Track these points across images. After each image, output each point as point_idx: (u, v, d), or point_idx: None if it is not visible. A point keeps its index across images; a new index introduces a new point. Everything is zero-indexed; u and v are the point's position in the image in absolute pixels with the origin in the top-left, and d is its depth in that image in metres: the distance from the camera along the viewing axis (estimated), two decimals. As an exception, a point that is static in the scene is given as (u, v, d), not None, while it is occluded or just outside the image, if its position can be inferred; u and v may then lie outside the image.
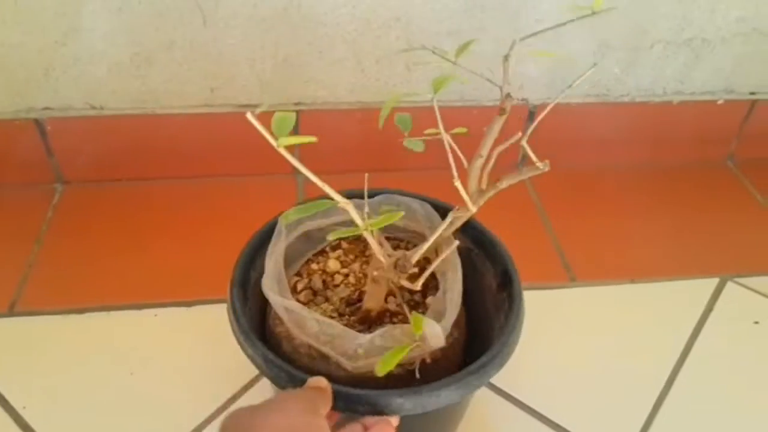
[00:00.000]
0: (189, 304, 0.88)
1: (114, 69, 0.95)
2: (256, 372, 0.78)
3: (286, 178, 1.07)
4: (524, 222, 1.03)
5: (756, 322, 0.90)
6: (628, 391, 0.81)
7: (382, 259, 0.53)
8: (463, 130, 0.50)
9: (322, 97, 1.02)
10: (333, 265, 0.69)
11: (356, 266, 0.69)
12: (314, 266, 0.69)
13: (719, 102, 1.12)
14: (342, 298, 0.65)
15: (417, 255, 0.53)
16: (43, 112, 0.99)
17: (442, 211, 0.63)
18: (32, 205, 1.02)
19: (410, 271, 0.53)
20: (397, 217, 0.48)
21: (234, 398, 0.77)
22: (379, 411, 0.52)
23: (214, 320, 0.85)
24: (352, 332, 0.55)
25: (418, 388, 0.53)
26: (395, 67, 1.00)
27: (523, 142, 0.50)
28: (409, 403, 0.52)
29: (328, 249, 0.71)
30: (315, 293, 0.66)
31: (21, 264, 0.92)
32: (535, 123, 0.54)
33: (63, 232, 0.98)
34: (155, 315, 0.86)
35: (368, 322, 0.62)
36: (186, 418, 0.75)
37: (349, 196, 0.49)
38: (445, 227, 0.53)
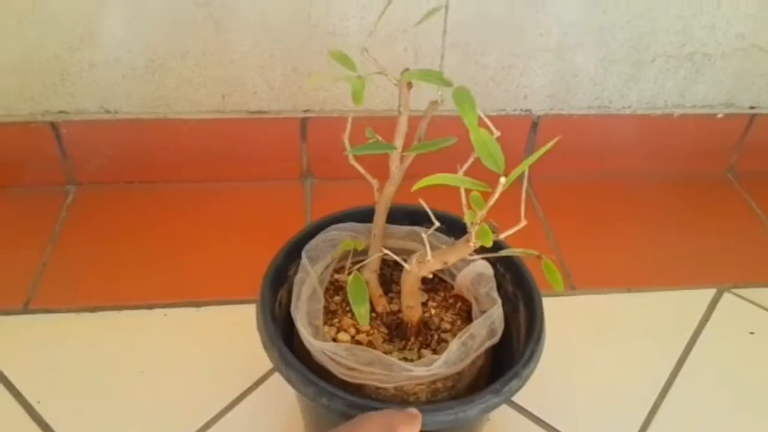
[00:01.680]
0: (198, 305, 0.90)
1: (129, 74, 0.98)
2: (263, 372, 0.81)
3: (294, 184, 1.10)
4: (526, 229, 1.04)
5: (752, 333, 0.92)
6: (622, 398, 0.83)
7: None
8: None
9: (330, 105, 1.04)
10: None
11: None
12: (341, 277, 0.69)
13: (719, 115, 1.15)
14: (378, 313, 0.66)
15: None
16: (59, 115, 1.01)
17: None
18: (46, 206, 1.04)
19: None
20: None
21: (241, 397, 0.79)
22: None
23: (223, 321, 0.88)
24: (399, 363, 0.56)
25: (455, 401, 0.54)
26: (402, 77, 1.03)
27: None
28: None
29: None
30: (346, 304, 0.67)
31: (35, 263, 0.95)
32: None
33: (76, 232, 1.01)
34: (165, 315, 0.89)
35: (407, 336, 0.63)
36: (194, 416, 0.77)
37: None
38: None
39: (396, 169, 0.58)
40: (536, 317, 0.62)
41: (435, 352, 0.62)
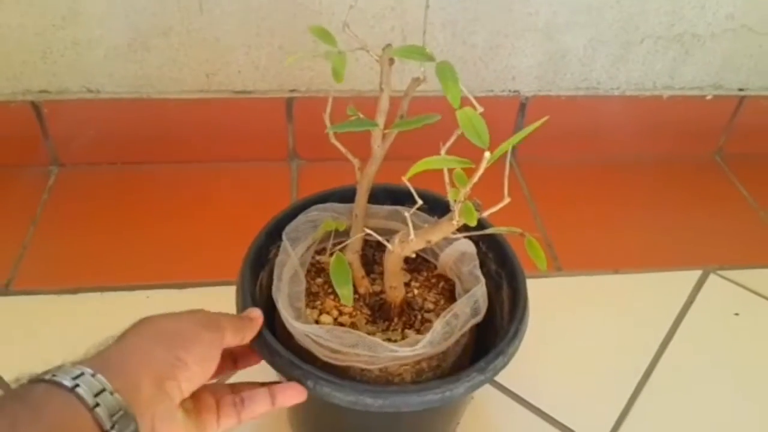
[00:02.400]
0: (181, 287, 0.89)
1: (111, 53, 0.96)
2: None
3: (280, 165, 1.08)
4: (513, 211, 1.04)
5: (736, 314, 0.92)
6: (607, 377, 0.83)
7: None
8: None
9: (317, 85, 1.03)
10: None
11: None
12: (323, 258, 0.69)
13: (708, 97, 1.14)
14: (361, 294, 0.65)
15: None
16: (40, 94, 1.00)
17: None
18: (28, 187, 1.03)
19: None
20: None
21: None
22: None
23: (207, 303, 0.86)
24: (384, 345, 0.55)
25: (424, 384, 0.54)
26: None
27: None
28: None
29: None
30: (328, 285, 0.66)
31: (16, 244, 0.94)
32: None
33: (58, 213, 0.99)
34: (147, 297, 0.88)
35: (390, 316, 0.63)
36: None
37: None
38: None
39: (378, 147, 0.57)
40: (520, 295, 0.62)
41: (419, 332, 0.62)
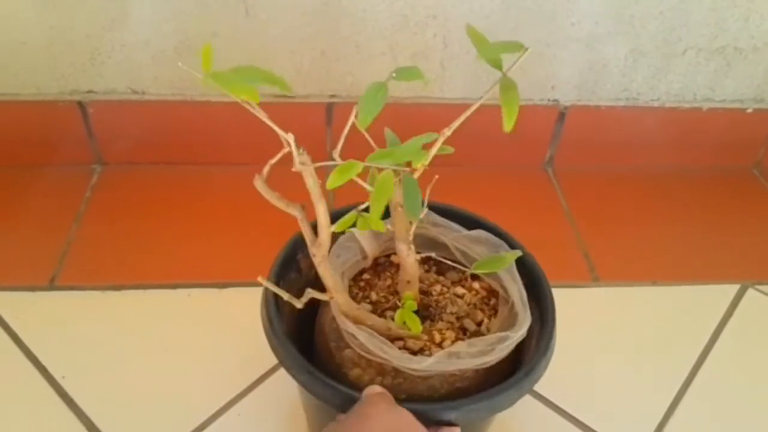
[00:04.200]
0: (222, 286, 0.91)
1: (158, 56, 0.98)
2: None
3: (319, 168, 1.09)
4: (552, 223, 1.04)
5: (775, 329, 0.91)
6: (645, 390, 0.82)
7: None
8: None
9: (357, 91, 1.04)
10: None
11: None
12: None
13: (748, 110, 1.13)
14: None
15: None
16: (87, 95, 1.02)
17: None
18: (72, 185, 1.05)
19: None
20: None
21: (265, 377, 0.80)
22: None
23: (247, 302, 0.88)
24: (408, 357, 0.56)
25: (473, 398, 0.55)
26: (430, 63, 1.02)
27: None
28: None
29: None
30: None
31: (61, 241, 0.96)
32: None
33: (101, 211, 1.01)
34: (189, 295, 0.89)
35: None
36: (217, 394, 0.78)
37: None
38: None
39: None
40: (547, 312, 0.62)
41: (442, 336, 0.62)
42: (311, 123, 1.06)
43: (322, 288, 0.58)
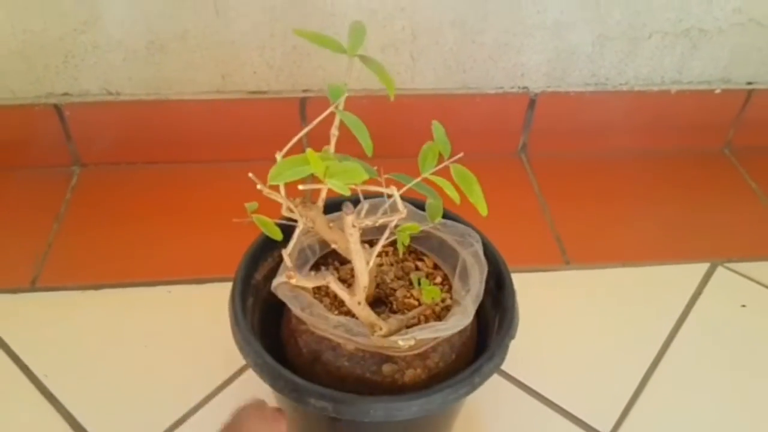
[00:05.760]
0: (201, 282, 0.92)
1: (130, 56, 0.99)
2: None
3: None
4: (523, 206, 1.06)
5: (743, 306, 0.93)
6: (615, 368, 0.85)
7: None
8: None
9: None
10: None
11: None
12: None
13: (716, 91, 1.15)
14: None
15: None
16: (62, 97, 1.03)
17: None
18: (52, 187, 1.06)
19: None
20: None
21: (240, 371, 0.82)
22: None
23: (226, 297, 0.89)
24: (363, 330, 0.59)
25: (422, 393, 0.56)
26: (401, 55, 1.04)
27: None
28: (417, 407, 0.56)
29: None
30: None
31: (41, 243, 0.97)
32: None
33: (81, 212, 1.03)
34: (169, 292, 0.91)
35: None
36: (198, 388, 0.80)
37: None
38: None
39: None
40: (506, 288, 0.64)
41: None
42: (285, 118, 1.08)
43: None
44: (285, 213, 0.54)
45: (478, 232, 0.68)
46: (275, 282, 0.61)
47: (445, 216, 0.68)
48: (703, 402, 0.82)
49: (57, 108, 1.03)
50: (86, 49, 0.98)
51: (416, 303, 0.65)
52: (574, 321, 0.90)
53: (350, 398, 0.55)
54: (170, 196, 1.06)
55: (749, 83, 1.15)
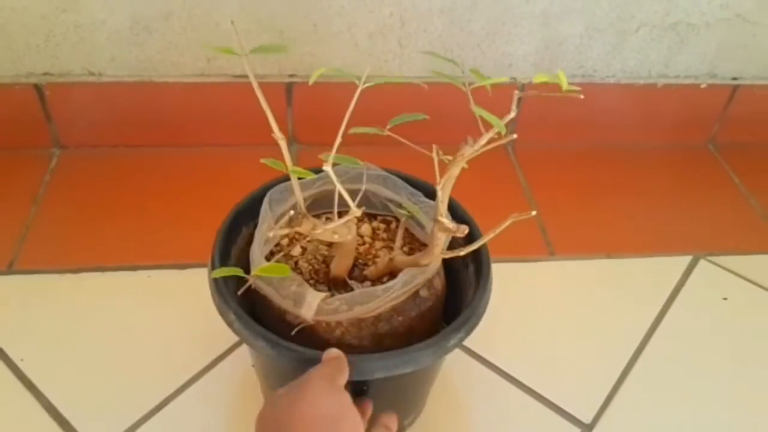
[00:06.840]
0: (182, 267, 0.91)
1: (113, 37, 0.98)
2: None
3: (278, 149, 1.09)
4: (509, 197, 1.06)
5: (725, 299, 0.94)
6: (598, 359, 0.85)
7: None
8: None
9: (315, 70, 1.04)
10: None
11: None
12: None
13: (702, 86, 1.16)
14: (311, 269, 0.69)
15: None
16: (43, 77, 1.01)
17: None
18: (30, 169, 1.05)
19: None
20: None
21: (224, 356, 0.81)
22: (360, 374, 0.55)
23: (206, 282, 0.89)
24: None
25: (395, 352, 0.56)
26: (388, 43, 1.03)
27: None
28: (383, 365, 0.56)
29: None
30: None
31: (19, 225, 0.95)
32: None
33: (60, 195, 1.01)
34: (149, 276, 0.90)
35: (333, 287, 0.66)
36: (177, 373, 0.79)
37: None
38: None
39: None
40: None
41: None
42: (271, 103, 1.06)
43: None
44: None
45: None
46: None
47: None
48: (684, 393, 0.82)
49: (37, 88, 1.01)
50: (68, 28, 0.96)
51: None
52: (557, 311, 0.90)
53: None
54: (152, 179, 1.04)
55: (735, 78, 1.16)
